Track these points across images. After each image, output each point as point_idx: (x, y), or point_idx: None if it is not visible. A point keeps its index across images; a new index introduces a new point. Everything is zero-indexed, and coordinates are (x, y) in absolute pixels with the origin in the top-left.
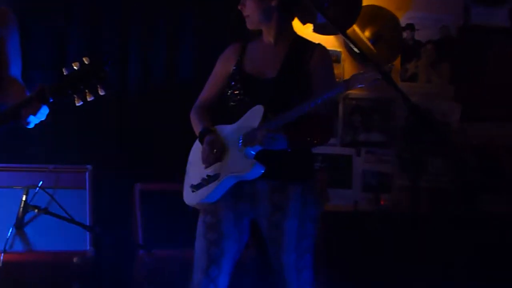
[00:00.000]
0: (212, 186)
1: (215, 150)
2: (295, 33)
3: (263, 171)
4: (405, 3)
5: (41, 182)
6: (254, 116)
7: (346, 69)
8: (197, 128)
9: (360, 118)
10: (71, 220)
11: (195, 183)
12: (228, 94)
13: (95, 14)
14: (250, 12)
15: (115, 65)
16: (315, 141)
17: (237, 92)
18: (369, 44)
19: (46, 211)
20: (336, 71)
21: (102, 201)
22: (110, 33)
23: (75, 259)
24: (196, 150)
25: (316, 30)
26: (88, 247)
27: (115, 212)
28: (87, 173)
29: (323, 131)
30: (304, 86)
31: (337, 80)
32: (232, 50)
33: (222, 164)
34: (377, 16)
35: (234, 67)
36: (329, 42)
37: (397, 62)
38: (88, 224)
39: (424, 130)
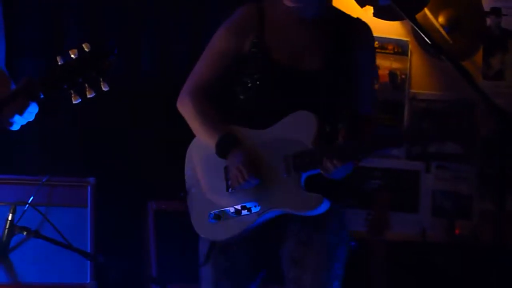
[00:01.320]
0: (248, 219)
1: (252, 174)
2: (329, 3)
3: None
4: None
5: (31, 198)
6: (301, 127)
7: (414, 63)
8: (204, 128)
9: (431, 125)
10: (68, 246)
11: (215, 210)
12: (239, 82)
13: None
14: None
15: (124, 54)
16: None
17: (257, 83)
18: (443, 32)
19: (37, 234)
20: (401, 65)
21: (107, 222)
22: (119, 12)
23: None
24: (205, 159)
25: (378, 14)
26: (88, 280)
27: (123, 237)
28: (89, 188)
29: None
30: (348, 81)
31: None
32: (247, 18)
33: (259, 190)
34: None
35: (254, 47)
36: (394, 29)
37: (479, 56)
38: (89, 251)
39: None
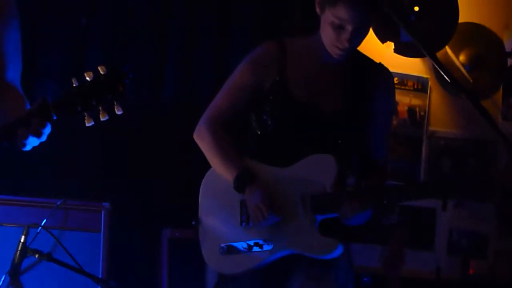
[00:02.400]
0: (259, 256)
1: (272, 212)
2: None
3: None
4: None
5: (44, 221)
6: (321, 170)
7: (433, 100)
8: (222, 161)
9: (450, 163)
10: (80, 270)
11: (227, 242)
12: (257, 117)
13: (123, 12)
14: (355, 46)
15: (147, 81)
16: None
17: (277, 121)
18: (464, 71)
19: (49, 257)
20: (420, 102)
21: (120, 248)
22: (143, 37)
23: None
24: (220, 191)
25: (398, 50)
26: None
27: (136, 264)
28: (102, 213)
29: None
30: (366, 125)
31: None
32: (269, 55)
33: (273, 229)
34: (476, 36)
35: (275, 85)
36: (414, 65)
37: (498, 96)
38: (101, 276)
39: None
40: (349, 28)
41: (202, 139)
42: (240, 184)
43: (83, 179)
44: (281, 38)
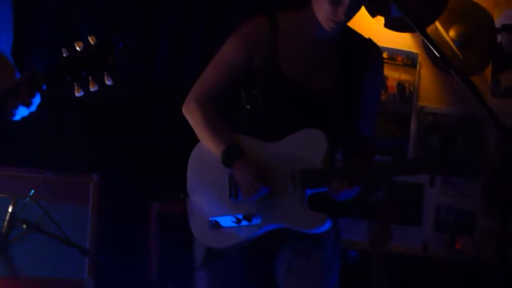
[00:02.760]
0: (247, 230)
1: (262, 184)
2: None
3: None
4: None
5: (32, 191)
6: (311, 145)
7: (422, 76)
8: (210, 135)
9: (438, 139)
10: (67, 241)
11: (215, 216)
12: (247, 92)
13: None
14: (347, 20)
15: (136, 55)
16: None
17: (266, 96)
18: (454, 46)
19: (37, 227)
20: (409, 77)
21: (108, 221)
22: (134, 11)
23: None
24: (208, 165)
25: (388, 25)
26: (85, 276)
27: (124, 236)
28: (91, 184)
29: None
30: (358, 104)
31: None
32: (258, 30)
33: (262, 203)
34: (466, 12)
35: (265, 60)
36: (404, 41)
37: (487, 72)
38: (87, 247)
39: None
40: (346, 1)
41: (191, 113)
42: (228, 158)
43: (72, 150)
44: (272, 13)
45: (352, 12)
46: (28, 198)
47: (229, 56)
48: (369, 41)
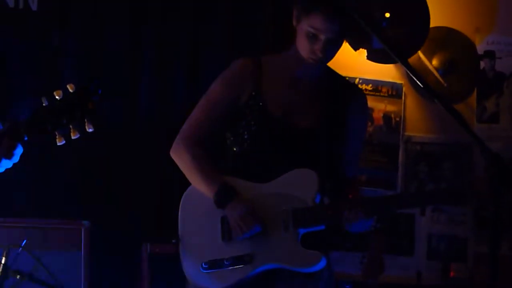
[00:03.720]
0: (241, 271)
1: (256, 222)
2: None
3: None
4: (485, 25)
5: (24, 241)
6: (302, 184)
7: (408, 106)
8: (201, 178)
9: (426, 168)
10: None
11: (209, 258)
12: (234, 133)
13: (95, 31)
14: (328, 60)
15: (121, 96)
16: None
17: (253, 135)
18: (437, 75)
19: (30, 277)
20: (395, 108)
21: (101, 266)
22: (116, 56)
23: None
24: (199, 206)
25: (371, 57)
26: None
27: (117, 280)
28: (82, 231)
29: None
30: (341, 142)
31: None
32: (244, 71)
33: (255, 243)
34: (448, 40)
35: (251, 100)
36: (388, 72)
37: (473, 99)
38: None
39: (507, 184)
40: (322, 37)
41: (179, 156)
42: (221, 199)
43: (62, 198)
44: (257, 56)
45: (330, 50)
46: (20, 248)
47: (216, 96)
48: (354, 85)
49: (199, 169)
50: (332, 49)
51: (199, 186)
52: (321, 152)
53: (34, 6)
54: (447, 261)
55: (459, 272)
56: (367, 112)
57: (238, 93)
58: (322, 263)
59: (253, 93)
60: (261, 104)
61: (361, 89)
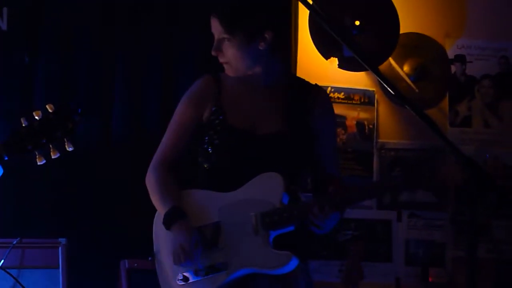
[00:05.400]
0: (216, 280)
1: (198, 245)
2: (285, 70)
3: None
4: (454, 29)
5: (1, 261)
6: (268, 187)
7: (381, 113)
8: (159, 202)
9: (401, 174)
10: None
11: (183, 271)
12: (201, 151)
13: (67, 49)
14: (232, 60)
15: (95, 117)
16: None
17: (216, 149)
18: (409, 81)
19: None
20: (368, 115)
21: (80, 283)
22: (89, 73)
23: None
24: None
25: (342, 65)
26: None
27: None
28: (60, 249)
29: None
30: (308, 143)
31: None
32: (204, 88)
33: (226, 250)
34: (418, 46)
35: (213, 115)
36: (360, 79)
37: (445, 104)
38: None
39: (482, 188)
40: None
41: (148, 185)
42: (167, 221)
43: (37, 216)
44: (216, 71)
45: (225, 49)
46: None
47: (181, 118)
48: (315, 85)
49: (158, 193)
50: (226, 49)
51: (158, 208)
52: (287, 156)
53: (3, 26)
54: (425, 266)
55: (438, 277)
56: (332, 109)
57: (201, 111)
58: (292, 263)
59: (214, 109)
60: (221, 117)
61: (322, 88)
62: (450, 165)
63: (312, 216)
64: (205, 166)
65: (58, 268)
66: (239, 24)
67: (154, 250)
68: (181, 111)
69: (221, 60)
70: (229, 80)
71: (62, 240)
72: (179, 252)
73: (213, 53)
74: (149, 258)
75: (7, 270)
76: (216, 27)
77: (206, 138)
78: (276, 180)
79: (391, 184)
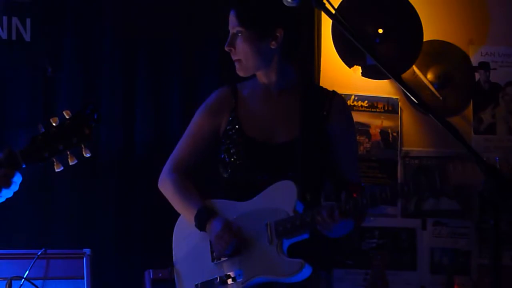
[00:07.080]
0: None
1: (236, 241)
2: (300, 77)
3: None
4: (478, 36)
5: (27, 272)
6: (282, 196)
7: (405, 120)
8: (183, 204)
9: (425, 181)
10: None
11: (202, 280)
12: (219, 160)
13: (89, 59)
14: (243, 57)
15: (118, 126)
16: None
17: (233, 158)
18: (432, 89)
19: None
20: (392, 123)
21: None
22: (111, 84)
23: None
24: (189, 234)
25: (366, 74)
26: None
27: None
28: (84, 259)
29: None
30: (325, 150)
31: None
32: (221, 99)
33: (242, 259)
34: (442, 53)
35: (229, 125)
36: (384, 87)
37: (469, 111)
38: None
39: (505, 195)
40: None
41: (164, 188)
42: (200, 221)
43: (62, 227)
44: (233, 83)
45: (238, 45)
46: (23, 280)
47: (197, 127)
48: (332, 92)
49: (180, 197)
50: (239, 45)
51: (182, 213)
52: (304, 163)
53: (27, 37)
54: (450, 274)
55: (463, 285)
56: (349, 115)
57: (218, 122)
58: (305, 270)
59: (230, 118)
60: (237, 127)
61: (339, 95)
62: (464, 170)
63: (321, 219)
64: (224, 175)
65: (83, 278)
66: (253, 16)
67: (174, 259)
68: (197, 121)
69: (233, 57)
70: (245, 91)
71: (87, 251)
72: (218, 241)
73: (226, 48)
74: (168, 269)
75: (32, 281)
76: (232, 21)
77: (223, 147)
78: (289, 188)
79: (402, 190)
